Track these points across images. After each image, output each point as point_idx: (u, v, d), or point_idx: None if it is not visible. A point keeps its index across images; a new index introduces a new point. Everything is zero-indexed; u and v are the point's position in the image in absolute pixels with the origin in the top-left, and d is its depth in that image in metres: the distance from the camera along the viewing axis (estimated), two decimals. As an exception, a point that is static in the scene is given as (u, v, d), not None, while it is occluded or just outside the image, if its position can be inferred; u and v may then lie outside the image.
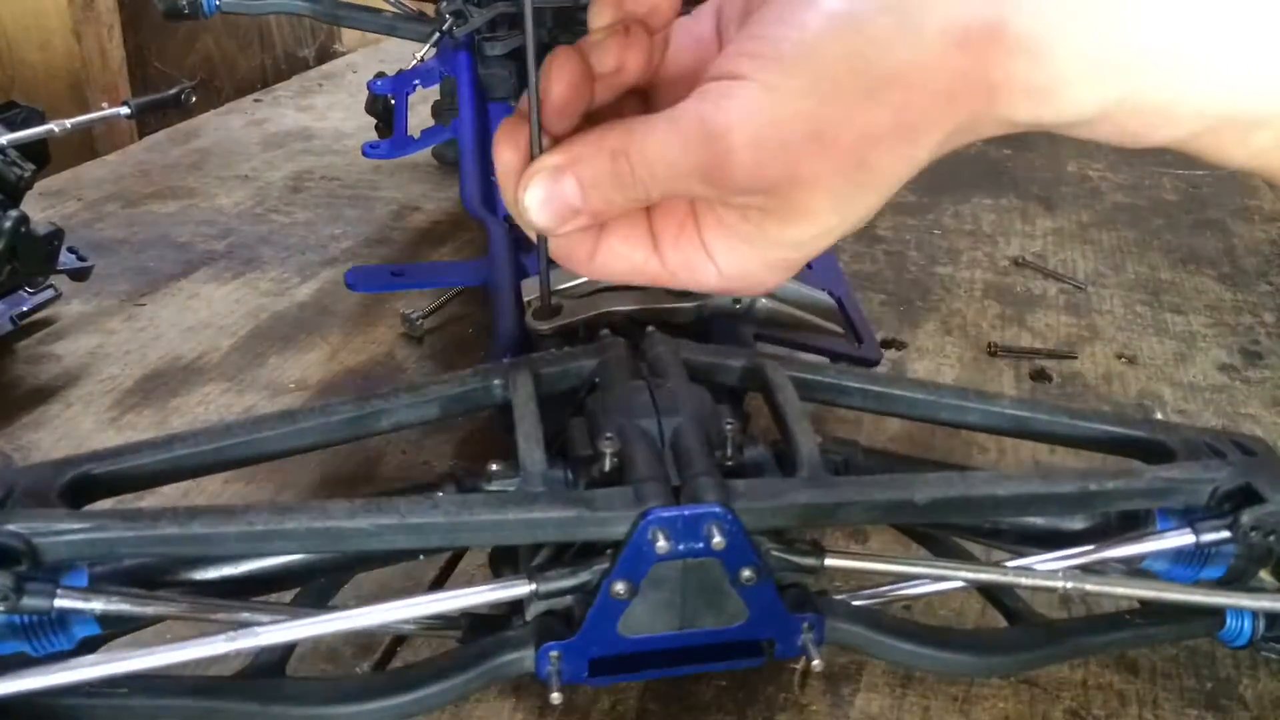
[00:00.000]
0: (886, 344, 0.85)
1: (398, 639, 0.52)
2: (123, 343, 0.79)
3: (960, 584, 0.44)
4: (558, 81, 0.35)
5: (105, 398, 0.72)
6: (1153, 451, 0.47)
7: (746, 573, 0.39)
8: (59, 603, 0.35)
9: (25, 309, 0.76)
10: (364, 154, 0.92)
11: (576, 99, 0.36)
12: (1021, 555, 0.45)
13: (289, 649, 0.41)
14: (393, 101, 0.98)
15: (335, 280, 0.90)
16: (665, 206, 0.36)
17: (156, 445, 0.42)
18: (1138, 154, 1.33)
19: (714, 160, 0.32)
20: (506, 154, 0.36)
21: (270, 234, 0.98)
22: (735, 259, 0.36)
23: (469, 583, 0.42)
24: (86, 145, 1.24)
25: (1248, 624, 0.46)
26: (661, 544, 0.37)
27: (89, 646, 0.38)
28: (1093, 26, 0.29)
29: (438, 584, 0.56)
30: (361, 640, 0.53)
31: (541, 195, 0.34)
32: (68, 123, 0.86)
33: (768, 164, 0.32)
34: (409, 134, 0.96)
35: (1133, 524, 0.46)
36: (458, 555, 0.57)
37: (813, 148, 0.31)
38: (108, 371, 0.76)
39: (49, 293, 0.77)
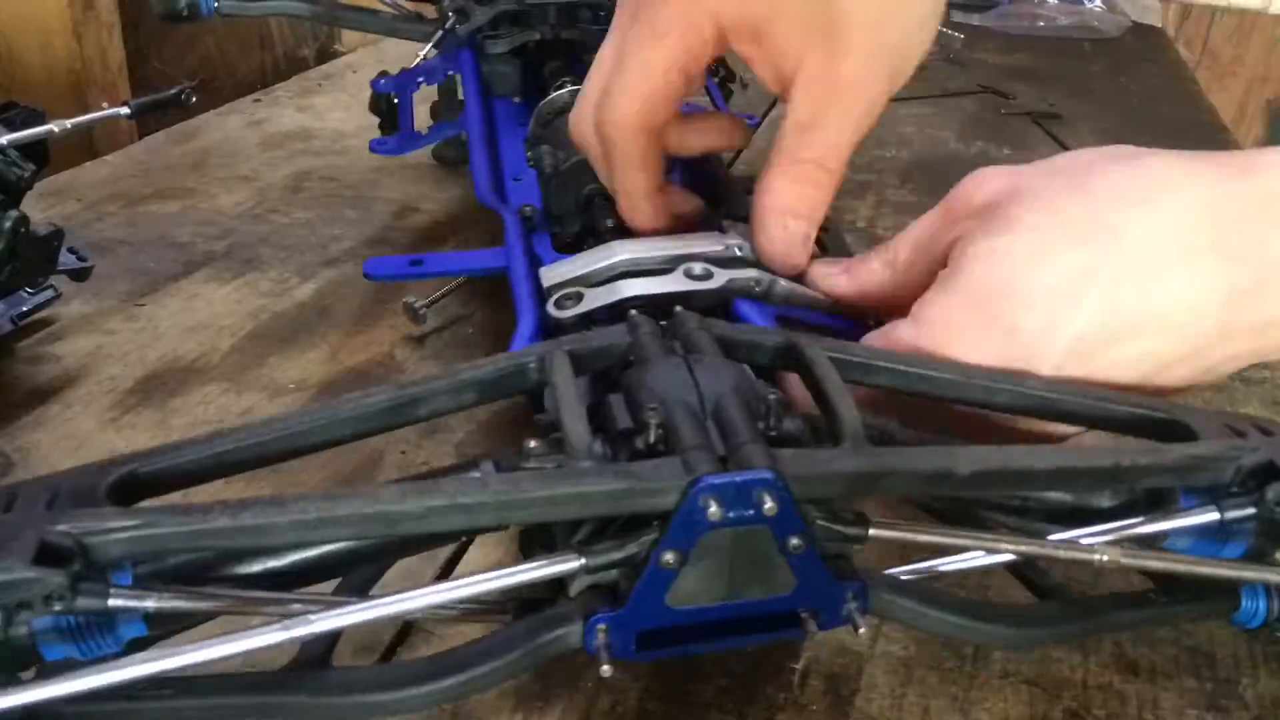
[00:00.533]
0: (886, 344, 0.85)
1: (403, 631, 0.53)
2: (123, 343, 0.79)
3: (1004, 556, 0.45)
4: None
5: (105, 398, 0.72)
6: (1175, 432, 0.48)
7: (795, 540, 0.39)
8: (113, 602, 0.35)
9: (25, 309, 0.75)
10: (371, 149, 0.91)
11: None
12: (1048, 533, 0.45)
13: (333, 640, 0.41)
14: (396, 100, 0.98)
15: (335, 280, 0.90)
16: None
17: (199, 443, 0.42)
18: (1138, 154, 1.33)
19: None
20: None
21: (270, 234, 0.98)
22: None
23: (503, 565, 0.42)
24: (86, 145, 1.24)
25: (1263, 605, 0.47)
26: (713, 510, 0.37)
27: (135, 649, 0.38)
28: None
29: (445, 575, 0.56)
30: (365, 642, 0.53)
31: None
32: (68, 123, 0.86)
33: None
34: (416, 130, 0.96)
35: (1157, 503, 0.47)
36: (462, 548, 0.57)
37: None
38: (108, 371, 0.76)
39: (49, 293, 0.77)
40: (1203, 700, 0.52)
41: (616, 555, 0.39)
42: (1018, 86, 1.56)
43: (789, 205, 0.59)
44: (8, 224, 0.67)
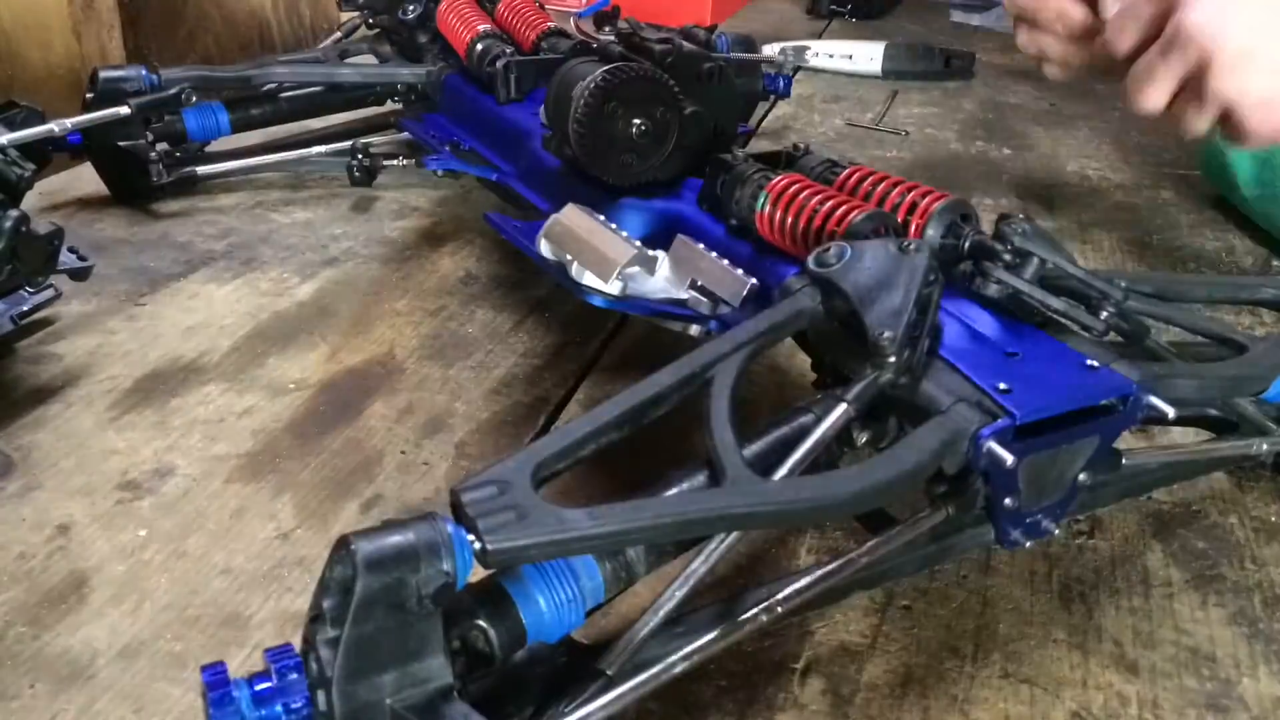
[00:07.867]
0: (886, 344, 0.85)
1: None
2: (123, 343, 0.79)
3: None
4: None
5: (105, 398, 0.73)
6: None
7: None
8: None
9: (25, 309, 0.75)
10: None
11: None
12: None
13: None
14: None
15: (335, 280, 0.90)
16: None
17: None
18: (1137, 154, 1.33)
19: None
20: None
21: (270, 234, 0.98)
22: None
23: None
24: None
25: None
26: None
27: None
28: None
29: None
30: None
31: None
32: (68, 123, 0.86)
33: None
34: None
35: None
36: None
37: None
38: (108, 371, 0.76)
39: (49, 293, 0.77)
40: (1203, 700, 0.52)
41: None
42: (1018, 86, 1.57)
43: None
44: (8, 223, 0.67)
